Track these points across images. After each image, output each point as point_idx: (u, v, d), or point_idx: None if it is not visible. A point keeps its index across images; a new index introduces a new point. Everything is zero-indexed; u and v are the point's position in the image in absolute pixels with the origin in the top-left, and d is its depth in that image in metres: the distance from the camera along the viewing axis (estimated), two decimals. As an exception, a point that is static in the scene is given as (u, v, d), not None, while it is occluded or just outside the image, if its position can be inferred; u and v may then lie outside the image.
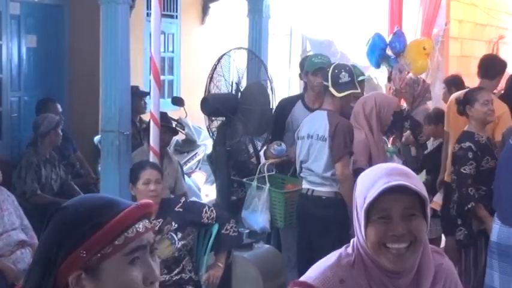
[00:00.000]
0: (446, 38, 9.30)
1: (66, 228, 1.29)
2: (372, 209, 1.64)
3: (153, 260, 1.34)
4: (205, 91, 5.44)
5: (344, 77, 4.34)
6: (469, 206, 4.42)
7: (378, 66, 6.73)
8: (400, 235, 1.62)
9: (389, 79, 6.60)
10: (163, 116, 4.90)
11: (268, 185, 4.89)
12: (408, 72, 6.30)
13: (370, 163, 4.49)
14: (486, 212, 4.40)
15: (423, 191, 1.66)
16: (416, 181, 1.67)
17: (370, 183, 1.65)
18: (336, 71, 4.37)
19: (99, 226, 1.27)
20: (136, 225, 1.31)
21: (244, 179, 5.16)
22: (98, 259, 1.27)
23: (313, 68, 4.97)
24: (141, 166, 4.01)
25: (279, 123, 5.18)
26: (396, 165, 1.77)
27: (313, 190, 4.39)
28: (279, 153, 5.03)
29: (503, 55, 10.69)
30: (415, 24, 8.36)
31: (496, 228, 4.13)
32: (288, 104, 5.21)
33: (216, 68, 5.38)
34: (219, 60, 5.39)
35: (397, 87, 6.22)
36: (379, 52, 6.42)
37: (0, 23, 6.45)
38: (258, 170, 5.00)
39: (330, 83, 4.35)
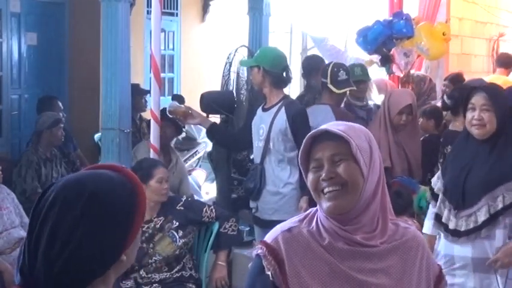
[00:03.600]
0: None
1: (119, 202, 1.41)
2: (310, 161, 1.77)
3: None
4: (221, 87, 5.54)
5: (342, 75, 4.68)
6: None
7: (373, 52, 6.39)
8: (328, 178, 1.71)
9: (383, 63, 6.18)
10: (164, 111, 4.91)
11: None
12: (418, 56, 6.06)
13: (391, 161, 4.52)
14: None
15: (347, 133, 1.71)
16: (346, 127, 1.74)
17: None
18: (335, 69, 4.69)
19: (135, 194, 1.44)
20: None
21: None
22: None
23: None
24: (154, 164, 4.04)
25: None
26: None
27: None
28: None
29: (503, 53, 10.69)
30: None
31: None
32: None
33: (230, 66, 5.42)
34: (232, 59, 5.43)
35: (404, 73, 6.02)
36: (382, 39, 6.11)
37: (1, 21, 6.45)
38: None
39: (328, 80, 4.66)
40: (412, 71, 6.68)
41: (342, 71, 4.68)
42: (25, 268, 1.36)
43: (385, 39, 5.98)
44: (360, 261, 1.70)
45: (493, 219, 3.16)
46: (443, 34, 6.00)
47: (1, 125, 6.55)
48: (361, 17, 8.66)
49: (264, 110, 4.45)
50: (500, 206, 3.14)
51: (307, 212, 1.83)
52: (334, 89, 4.64)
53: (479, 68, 9.38)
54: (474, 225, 3.20)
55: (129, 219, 1.40)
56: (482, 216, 3.16)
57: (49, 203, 1.38)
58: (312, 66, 6.10)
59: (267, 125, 4.34)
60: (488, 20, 10.35)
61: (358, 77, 5.35)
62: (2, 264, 4.13)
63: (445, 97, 5.24)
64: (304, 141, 1.77)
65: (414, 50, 6.03)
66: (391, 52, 6.13)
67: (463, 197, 3.27)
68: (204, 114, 5.50)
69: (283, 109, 4.31)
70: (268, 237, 1.79)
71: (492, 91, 3.31)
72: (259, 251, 1.76)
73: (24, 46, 6.78)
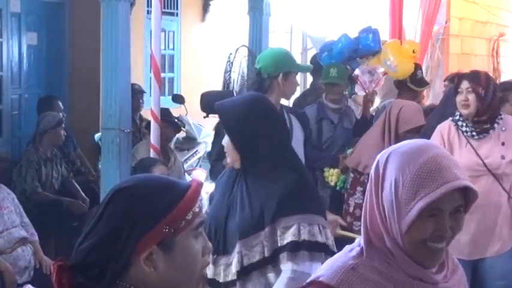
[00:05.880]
0: (447, 35, 9.31)
1: (143, 205, 1.32)
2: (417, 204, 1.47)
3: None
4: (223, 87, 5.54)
5: (419, 74, 5.12)
6: None
7: None
8: (446, 235, 1.49)
9: (350, 80, 5.74)
10: (165, 112, 4.91)
11: None
12: (385, 74, 5.80)
13: None
14: None
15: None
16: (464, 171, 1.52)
17: (425, 175, 1.46)
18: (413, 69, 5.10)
19: (175, 202, 1.32)
20: (198, 203, 1.38)
21: None
22: (173, 233, 1.32)
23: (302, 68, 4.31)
24: (152, 163, 4.06)
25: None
26: (438, 147, 1.57)
27: None
28: None
29: (503, 53, 10.71)
30: (415, 22, 8.37)
31: None
32: None
33: (231, 66, 5.44)
34: (233, 59, 5.45)
35: (369, 91, 5.73)
36: (348, 53, 5.71)
37: (1, 21, 6.44)
38: None
39: (408, 80, 5.11)
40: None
41: (419, 70, 5.05)
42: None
43: (351, 53, 5.71)
44: None
45: (245, 274, 2.46)
46: (413, 51, 5.83)
47: (1, 125, 6.55)
48: (362, 17, 8.67)
49: None
50: (257, 257, 2.45)
51: (356, 246, 1.60)
52: (415, 88, 4.97)
53: (479, 68, 9.39)
54: (232, 278, 2.50)
55: (150, 220, 1.30)
56: (233, 268, 2.47)
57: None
58: (320, 66, 6.00)
59: None
60: (488, 20, 10.36)
61: (331, 79, 5.02)
62: (2, 264, 4.13)
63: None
64: (443, 190, 1.45)
65: (379, 67, 5.81)
66: (355, 72, 5.89)
67: (224, 239, 2.54)
68: (204, 114, 5.52)
69: (292, 117, 3.88)
70: (331, 278, 1.53)
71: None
72: None
73: (24, 46, 6.78)
